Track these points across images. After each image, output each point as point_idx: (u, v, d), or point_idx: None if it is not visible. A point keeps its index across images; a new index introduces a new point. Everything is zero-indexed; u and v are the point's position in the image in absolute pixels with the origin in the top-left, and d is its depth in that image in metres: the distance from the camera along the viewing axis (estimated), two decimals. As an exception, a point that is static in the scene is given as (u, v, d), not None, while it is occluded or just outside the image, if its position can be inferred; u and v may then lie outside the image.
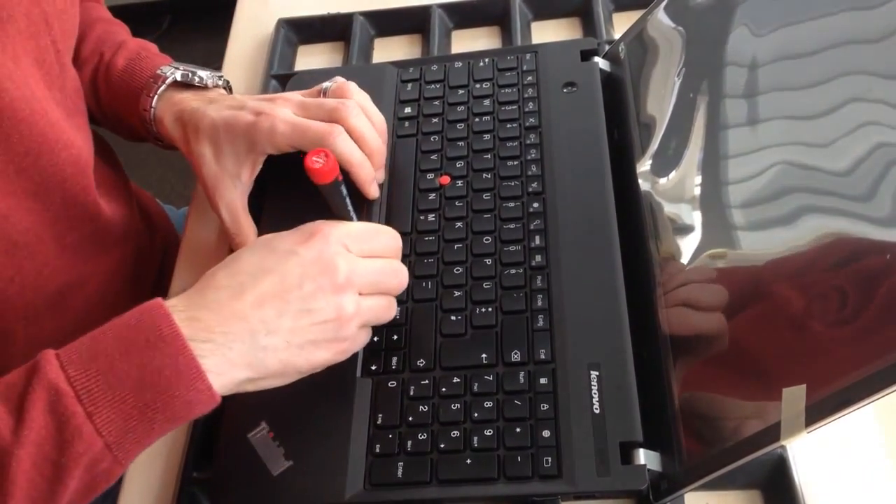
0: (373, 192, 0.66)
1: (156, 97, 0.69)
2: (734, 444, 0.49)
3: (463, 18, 0.85)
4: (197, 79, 0.70)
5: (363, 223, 0.57)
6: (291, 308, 0.50)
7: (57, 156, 0.63)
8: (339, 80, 0.67)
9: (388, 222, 0.66)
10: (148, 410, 0.46)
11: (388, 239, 0.57)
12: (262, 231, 0.68)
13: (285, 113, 0.64)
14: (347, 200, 0.56)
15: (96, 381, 0.45)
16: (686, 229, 0.58)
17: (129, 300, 0.75)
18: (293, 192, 0.62)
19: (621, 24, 0.80)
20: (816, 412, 0.44)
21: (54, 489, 0.45)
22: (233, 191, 0.66)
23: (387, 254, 0.56)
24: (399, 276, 0.56)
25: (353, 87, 0.66)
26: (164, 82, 0.69)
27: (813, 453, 0.55)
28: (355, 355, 0.59)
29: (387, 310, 0.56)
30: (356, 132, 0.63)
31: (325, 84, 0.67)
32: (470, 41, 0.84)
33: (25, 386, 0.45)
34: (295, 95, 0.67)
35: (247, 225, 0.67)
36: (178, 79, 0.69)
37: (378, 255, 0.55)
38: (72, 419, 0.44)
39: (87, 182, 0.68)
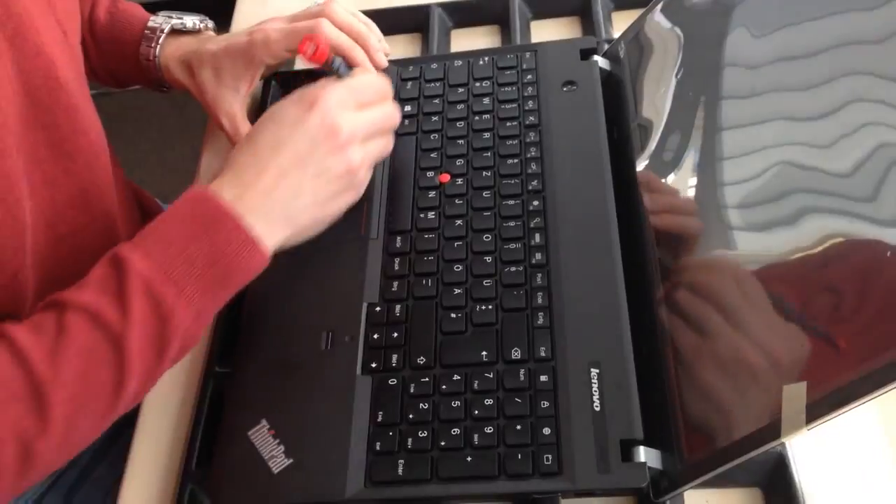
0: (379, 60, 0.73)
1: (158, 47, 0.76)
2: (734, 442, 0.49)
3: (463, 17, 0.85)
4: (191, 24, 0.77)
5: (355, 79, 0.63)
6: (309, 171, 0.57)
7: (85, 139, 0.65)
8: None
9: (388, 219, 0.67)
10: (221, 279, 0.53)
11: (378, 86, 0.64)
12: None
13: (275, 24, 0.73)
14: (342, 69, 0.64)
15: (177, 263, 0.52)
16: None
17: None
18: None
19: (621, 23, 0.80)
20: (817, 409, 0.44)
21: (161, 358, 0.52)
22: (232, 102, 0.74)
23: (380, 99, 0.63)
24: (392, 117, 0.64)
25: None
26: (161, 33, 0.76)
27: (813, 452, 0.55)
28: (355, 353, 0.59)
29: (386, 146, 0.65)
30: (338, 20, 0.71)
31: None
32: (469, 40, 0.84)
33: (119, 278, 0.51)
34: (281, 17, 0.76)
35: (245, 130, 0.75)
36: (175, 27, 0.77)
37: (373, 103, 0.62)
38: (167, 299, 0.51)
39: (99, 171, 0.68)
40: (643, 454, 0.53)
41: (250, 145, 0.59)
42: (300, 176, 0.57)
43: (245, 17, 0.91)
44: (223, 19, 0.92)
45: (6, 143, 0.56)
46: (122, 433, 0.78)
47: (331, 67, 0.63)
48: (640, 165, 0.64)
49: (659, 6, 0.69)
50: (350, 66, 0.66)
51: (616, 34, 0.77)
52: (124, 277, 0.51)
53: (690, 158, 0.60)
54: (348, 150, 0.59)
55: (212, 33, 0.79)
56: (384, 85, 0.64)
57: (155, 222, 0.55)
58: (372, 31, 0.75)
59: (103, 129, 0.71)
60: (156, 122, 2.02)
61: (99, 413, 0.51)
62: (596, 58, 0.73)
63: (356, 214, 0.67)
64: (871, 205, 0.46)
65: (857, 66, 0.50)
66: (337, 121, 0.58)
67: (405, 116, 0.72)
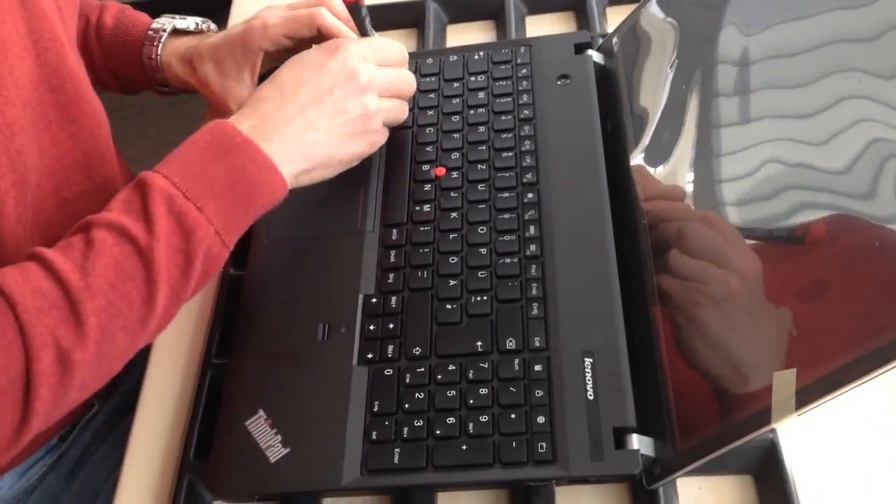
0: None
1: (160, 46, 0.78)
2: (726, 429, 0.49)
3: (458, 13, 0.85)
4: (192, 25, 0.80)
5: (376, 38, 0.68)
6: (327, 109, 0.60)
7: (76, 105, 0.66)
8: None
9: (384, 212, 0.67)
10: (241, 200, 0.56)
11: (397, 52, 0.67)
12: None
13: (273, 10, 0.75)
14: (367, 21, 0.68)
15: (197, 182, 0.54)
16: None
17: None
18: None
19: (615, 17, 0.81)
20: (806, 395, 0.45)
21: (186, 275, 0.54)
22: (239, 90, 0.76)
23: (397, 63, 0.67)
24: (408, 82, 0.67)
25: None
26: (164, 32, 0.78)
27: (804, 439, 0.56)
28: (352, 344, 0.60)
29: (401, 110, 0.67)
30: (335, 10, 0.72)
31: None
32: (465, 35, 0.85)
33: (143, 197, 0.54)
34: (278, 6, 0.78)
35: None
36: (177, 27, 0.79)
37: (390, 65, 0.66)
38: (189, 214, 0.53)
39: (98, 140, 0.69)
40: (636, 442, 0.53)
41: (272, 83, 0.61)
42: (317, 111, 0.60)
43: (242, 15, 0.91)
44: (220, 18, 0.93)
45: (11, 94, 0.58)
46: (123, 417, 0.79)
47: (358, 15, 0.67)
48: (634, 158, 0.65)
49: (652, 1, 0.69)
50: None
51: (610, 29, 0.78)
52: (147, 196, 0.53)
53: (684, 152, 0.61)
54: (365, 95, 0.62)
55: (211, 32, 0.80)
56: (403, 53, 0.67)
57: (176, 150, 0.57)
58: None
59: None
60: (154, 119, 2.02)
61: (131, 328, 0.52)
62: (590, 52, 0.73)
63: (352, 208, 0.67)
64: (861, 192, 0.46)
65: (848, 62, 0.50)
66: (357, 66, 0.62)
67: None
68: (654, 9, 0.70)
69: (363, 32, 0.69)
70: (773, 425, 0.46)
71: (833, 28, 0.52)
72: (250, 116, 0.59)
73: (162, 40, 0.78)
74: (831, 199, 0.48)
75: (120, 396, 0.82)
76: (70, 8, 0.68)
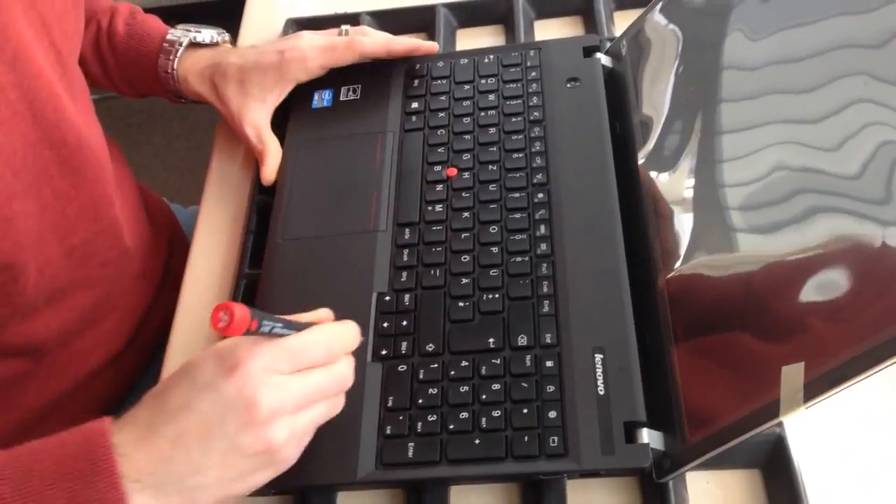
0: (425, 47, 0.77)
1: (176, 60, 0.77)
2: (735, 422, 0.50)
3: (468, 17, 0.87)
4: (209, 38, 0.79)
5: (296, 338, 0.51)
6: (217, 446, 0.48)
7: (78, 155, 0.66)
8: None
9: (396, 212, 0.68)
10: None
11: (325, 349, 0.52)
12: (286, 152, 0.75)
13: (310, 41, 0.74)
14: (277, 330, 0.50)
15: (28, 500, 0.46)
16: (685, 218, 0.60)
17: (136, 296, 0.77)
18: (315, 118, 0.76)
19: (622, 22, 0.82)
20: (814, 388, 0.46)
21: None
22: (257, 113, 0.75)
23: (326, 360, 0.53)
24: (339, 383, 0.54)
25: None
26: (180, 46, 0.77)
27: (811, 434, 0.57)
28: (366, 341, 0.61)
29: (328, 413, 0.54)
30: (375, 36, 0.73)
31: (343, 28, 0.80)
32: (474, 40, 0.86)
33: None
34: (313, 32, 0.78)
35: (270, 140, 0.75)
36: (192, 41, 0.78)
37: (315, 366, 0.52)
38: None
39: (102, 183, 0.70)
40: (646, 436, 0.54)
41: (157, 399, 0.50)
42: (204, 448, 0.48)
43: (254, 19, 0.93)
44: (233, 22, 0.94)
45: None
46: None
47: (261, 335, 0.49)
48: (642, 159, 0.66)
49: (659, 5, 0.71)
50: (292, 324, 0.52)
51: (617, 33, 0.79)
52: None
53: (691, 154, 0.62)
54: (268, 428, 0.49)
55: (229, 46, 0.81)
56: (337, 343, 0.53)
57: (45, 441, 0.49)
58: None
59: (104, 137, 0.72)
60: (160, 126, 2.04)
61: None
62: (598, 55, 0.74)
63: (364, 208, 0.68)
64: (856, 183, 0.47)
65: (855, 66, 0.51)
66: (257, 394, 0.48)
67: (412, 113, 0.74)
68: (661, 13, 0.71)
69: (277, 337, 0.51)
70: (782, 418, 0.47)
71: (840, 30, 0.53)
72: (131, 437, 0.48)
73: (178, 54, 0.78)
74: (839, 203, 0.49)
75: (129, 409, 0.82)
76: (70, 46, 0.68)
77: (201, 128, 1.93)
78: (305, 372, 0.51)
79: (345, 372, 0.54)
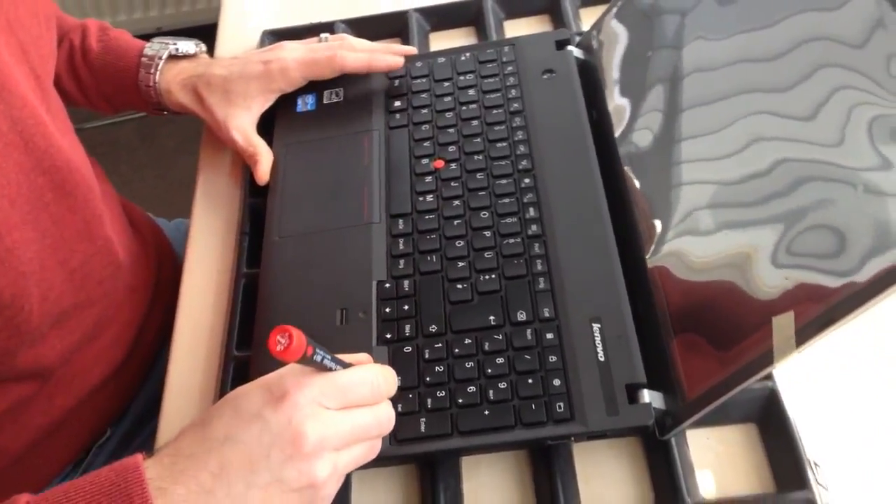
0: (405, 51, 0.79)
1: (157, 73, 0.78)
2: (730, 374, 0.53)
3: (439, 21, 0.89)
4: (188, 49, 0.80)
5: (343, 374, 0.52)
6: (260, 479, 0.48)
7: (70, 179, 0.67)
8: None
9: (388, 204, 0.70)
10: None
11: (371, 388, 0.52)
12: (274, 154, 0.77)
13: (292, 52, 0.76)
14: (327, 361, 0.50)
15: None
16: (666, 191, 0.63)
17: (130, 309, 0.78)
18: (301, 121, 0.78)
19: (588, 17, 0.85)
20: (805, 333, 0.49)
21: None
22: (243, 119, 0.76)
23: (371, 401, 0.53)
24: (382, 425, 0.53)
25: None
26: (160, 59, 0.78)
27: (801, 386, 0.60)
28: (370, 326, 0.63)
29: (367, 455, 0.53)
30: (356, 45, 0.75)
31: (323, 35, 0.82)
32: (447, 42, 0.88)
33: None
34: (295, 42, 0.79)
35: (258, 141, 0.76)
36: (171, 53, 0.79)
37: (360, 405, 0.52)
38: None
39: (93, 202, 0.71)
40: (647, 396, 0.57)
41: (200, 429, 0.49)
42: (247, 481, 0.47)
43: (229, 33, 0.94)
44: (208, 38, 0.96)
45: None
46: (135, 438, 0.80)
47: (312, 363, 0.49)
48: (620, 141, 0.69)
49: (623, 1, 0.74)
50: (339, 361, 0.52)
51: (584, 28, 0.82)
52: None
53: (665, 131, 0.65)
54: (314, 462, 0.48)
55: (206, 56, 0.83)
56: (383, 384, 0.53)
57: (79, 481, 0.48)
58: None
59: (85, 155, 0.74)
60: (125, 156, 2.03)
61: None
62: (570, 48, 0.78)
63: (356, 202, 0.70)
64: (838, 150, 0.51)
65: (817, 32, 0.55)
66: (304, 425, 0.48)
67: (395, 111, 0.77)
68: (625, 6, 0.74)
69: (325, 369, 0.51)
70: (777, 364, 0.50)
71: (801, 11, 0.57)
72: (167, 471, 0.48)
73: (159, 67, 0.78)
74: (803, 152, 0.52)
75: (131, 419, 0.83)
76: (47, 69, 0.69)
77: (167, 155, 1.93)
78: (351, 410, 0.51)
79: (388, 415, 0.54)
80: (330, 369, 0.51)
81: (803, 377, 0.60)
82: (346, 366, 0.52)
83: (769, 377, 0.59)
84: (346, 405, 0.51)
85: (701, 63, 0.64)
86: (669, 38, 0.68)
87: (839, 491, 0.55)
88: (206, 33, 0.98)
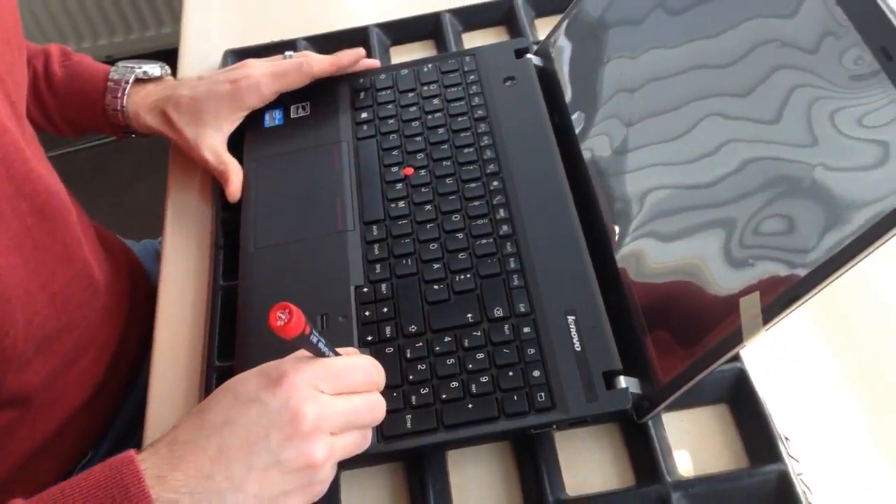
0: (368, 61, 0.83)
1: (125, 97, 0.79)
2: (702, 356, 0.56)
3: (399, 35, 0.92)
4: (153, 72, 0.81)
5: (337, 359, 0.53)
6: (259, 461, 0.48)
7: (49, 204, 0.68)
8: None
9: (361, 212, 0.72)
10: None
11: (363, 374, 0.54)
12: (245, 169, 0.78)
13: (258, 68, 0.78)
14: (322, 345, 0.52)
15: None
16: (629, 185, 0.66)
17: (108, 330, 0.78)
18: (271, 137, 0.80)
19: (543, 27, 0.88)
20: (771, 311, 0.52)
21: None
22: (214, 138, 0.77)
23: (364, 388, 0.54)
24: (374, 411, 0.54)
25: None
26: (126, 83, 0.79)
27: (768, 366, 0.62)
28: (351, 330, 0.64)
29: (360, 444, 0.54)
30: (320, 58, 0.77)
31: (287, 53, 0.83)
32: (408, 55, 0.90)
33: None
34: (259, 59, 0.81)
35: (229, 159, 0.77)
36: (137, 77, 0.80)
37: (354, 391, 0.53)
38: None
39: (72, 226, 0.72)
40: (624, 381, 0.59)
41: (198, 416, 0.50)
42: (246, 463, 0.48)
43: (190, 55, 0.95)
44: (171, 61, 0.97)
45: None
46: (131, 438, 0.81)
47: (309, 342, 0.51)
48: (582, 142, 0.72)
49: (575, 10, 0.77)
50: (333, 349, 0.54)
51: (540, 37, 0.85)
52: None
53: (624, 130, 0.68)
54: (312, 442, 0.49)
55: (171, 79, 0.84)
56: (372, 374, 0.55)
57: (74, 479, 0.48)
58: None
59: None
60: (79, 186, 2.02)
61: None
62: (529, 56, 0.80)
63: (330, 212, 0.72)
64: (780, 129, 0.54)
65: (769, 34, 0.58)
66: (303, 406, 0.49)
67: (362, 122, 0.79)
68: (581, 14, 0.77)
69: (319, 355, 0.53)
70: (746, 343, 0.53)
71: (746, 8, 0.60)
72: (163, 460, 0.48)
73: (126, 91, 0.79)
74: (754, 137, 0.56)
75: (112, 440, 0.83)
76: (21, 96, 0.69)
77: (122, 183, 1.92)
78: (345, 395, 0.52)
79: (380, 403, 0.55)
80: (324, 354, 0.52)
81: (770, 357, 0.63)
82: (338, 354, 0.54)
83: (738, 358, 0.61)
84: (340, 390, 0.52)
85: (655, 66, 0.67)
86: (625, 44, 0.71)
87: (809, 461, 0.58)
88: (165, 58, 0.99)
